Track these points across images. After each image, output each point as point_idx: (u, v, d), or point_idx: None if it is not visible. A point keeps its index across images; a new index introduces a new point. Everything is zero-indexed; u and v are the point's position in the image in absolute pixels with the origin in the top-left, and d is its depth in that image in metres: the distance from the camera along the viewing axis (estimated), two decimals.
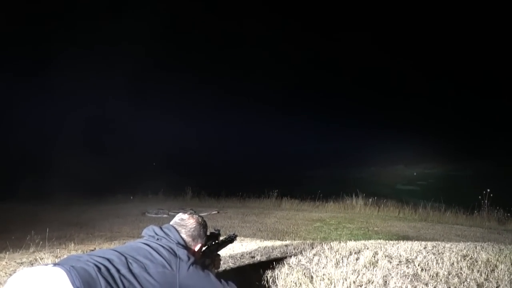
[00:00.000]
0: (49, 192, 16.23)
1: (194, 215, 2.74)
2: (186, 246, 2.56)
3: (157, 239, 2.53)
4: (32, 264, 3.88)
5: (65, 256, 2.63)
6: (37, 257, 4.21)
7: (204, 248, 2.78)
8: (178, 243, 2.52)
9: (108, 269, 2.19)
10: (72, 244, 5.82)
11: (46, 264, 2.30)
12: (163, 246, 2.44)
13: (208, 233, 2.80)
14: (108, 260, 2.26)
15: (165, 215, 11.73)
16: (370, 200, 14.93)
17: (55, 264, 2.19)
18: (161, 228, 2.62)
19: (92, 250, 4.52)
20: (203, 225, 2.73)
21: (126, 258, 2.30)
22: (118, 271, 2.21)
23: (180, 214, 2.76)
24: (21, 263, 3.93)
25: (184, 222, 2.67)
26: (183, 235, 2.61)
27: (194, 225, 2.67)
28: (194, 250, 2.65)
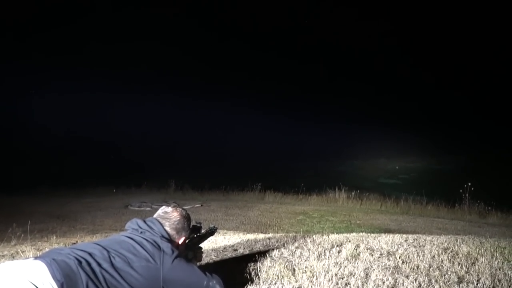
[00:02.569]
0: (31, 184, 16.09)
1: (178, 208, 2.72)
2: (170, 239, 2.55)
3: (141, 232, 2.50)
4: (13, 257, 3.83)
5: (47, 249, 2.60)
6: (19, 250, 4.16)
7: (187, 241, 2.77)
8: (162, 236, 2.50)
9: (89, 263, 2.17)
10: (54, 237, 5.76)
11: (27, 258, 2.28)
12: (146, 240, 2.42)
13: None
14: (90, 254, 2.24)
15: (148, 208, 11.66)
16: (353, 193, 15.06)
17: (36, 258, 2.17)
18: (144, 221, 2.60)
19: (74, 243, 4.48)
20: (186, 218, 2.72)
21: (108, 252, 2.28)
22: (99, 265, 2.19)
23: (163, 207, 2.74)
24: (2, 256, 3.87)
25: (168, 215, 2.65)
26: (167, 228, 2.59)
27: (178, 218, 2.66)
28: (178, 243, 2.63)
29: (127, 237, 2.46)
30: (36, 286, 1.93)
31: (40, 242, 4.97)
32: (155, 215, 2.69)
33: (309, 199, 15.21)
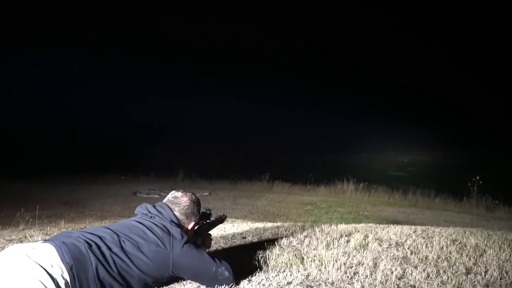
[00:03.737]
0: (40, 170, 16.19)
1: (187, 193, 2.73)
2: (179, 224, 2.56)
3: (150, 217, 2.52)
4: (21, 241, 3.85)
5: (55, 234, 2.62)
6: (27, 234, 4.19)
7: (196, 227, 2.78)
8: (172, 221, 2.51)
9: (99, 247, 2.19)
10: (63, 222, 5.80)
11: (36, 241, 2.29)
12: (156, 224, 2.43)
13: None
14: (100, 237, 2.25)
15: (156, 196, 11.73)
16: (361, 185, 15.05)
17: (45, 241, 2.18)
18: (154, 206, 2.61)
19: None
20: (196, 202, 2.72)
21: (118, 236, 2.30)
22: (109, 248, 2.21)
23: (173, 191, 2.74)
24: (10, 240, 3.90)
25: (178, 200, 2.66)
26: (176, 213, 2.60)
27: (188, 203, 2.66)
28: (187, 228, 2.64)
29: (137, 221, 2.47)
30: (44, 269, 1.94)
31: (48, 227, 4.99)
32: (164, 200, 2.70)
33: (317, 190, 15.21)
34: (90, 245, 2.16)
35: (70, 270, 2.00)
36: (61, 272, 1.98)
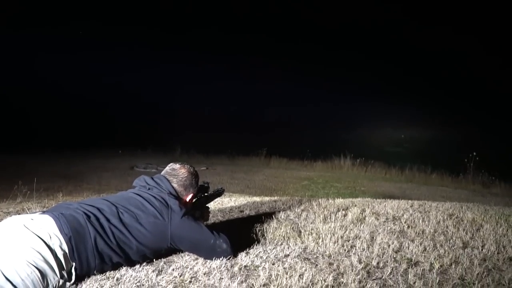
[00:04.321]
0: (38, 144, 16.16)
1: (185, 165, 2.72)
2: (177, 196, 2.56)
3: (148, 189, 2.52)
4: (19, 213, 3.86)
5: (53, 205, 2.61)
6: (25, 207, 4.20)
7: (194, 200, 2.79)
8: (170, 193, 2.52)
9: (97, 218, 2.19)
10: (61, 195, 5.82)
11: (34, 212, 2.29)
12: (154, 196, 2.43)
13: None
14: (98, 209, 2.25)
15: (153, 170, 11.73)
16: (358, 161, 15.10)
17: (43, 212, 2.18)
18: (152, 178, 2.60)
19: None
20: (194, 174, 2.72)
21: (117, 208, 2.30)
22: (108, 220, 2.21)
23: (171, 164, 2.73)
24: (8, 212, 3.90)
25: (176, 172, 2.66)
26: (175, 185, 2.60)
27: (186, 175, 2.66)
28: (185, 200, 2.64)
29: (135, 193, 2.47)
30: (43, 239, 1.94)
31: (46, 200, 5.00)
32: (162, 172, 2.69)
33: (314, 165, 15.29)
34: (88, 217, 2.16)
35: (68, 241, 2.01)
36: (59, 243, 1.98)
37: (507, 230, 3.39)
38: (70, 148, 16.47)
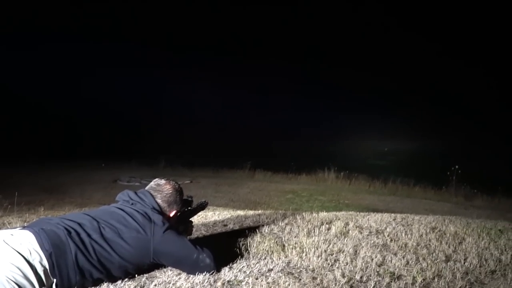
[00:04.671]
0: (19, 155, 15.94)
1: (170, 181, 2.71)
2: (161, 212, 2.54)
3: (132, 203, 2.49)
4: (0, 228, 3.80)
5: (34, 220, 2.58)
6: (5, 221, 4.13)
7: (178, 214, 2.77)
8: (153, 208, 2.50)
9: (78, 234, 2.16)
10: (42, 209, 5.74)
11: (14, 227, 2.26)
12: (137, 211, 2.40)
13: None
14: (79, 224, 2.22)
15: (137, 183, 11.64)
16: (342, 173, 15.16)
17: (24, 227, 2.15)
18: (136, 193, 2.58)
19: None
20: (179, 191, 2.71)
21: (98, 223, 2.27)
22: (89, 235, 2.18)
23: (156, 179, 2.72)
24: None
25: (160, 188, 2.64)
26: (159, 200, 2.58)
27: (171, 191, 2.65)
28: (169, 216, 2.62)
29: (118, 208, 2.45)
30: (22, 255, 1.91)
31: (27, 214, 4.93)
32: (147, 187, 2.68)
33: (298, 178, 15.28)
34: (69, 232, 2.13)
35: (49, 257, 1.98)
36: (39, 259, 1.95)
37: (489, 244, 3.43)
38: (53, 160, 16.29)
